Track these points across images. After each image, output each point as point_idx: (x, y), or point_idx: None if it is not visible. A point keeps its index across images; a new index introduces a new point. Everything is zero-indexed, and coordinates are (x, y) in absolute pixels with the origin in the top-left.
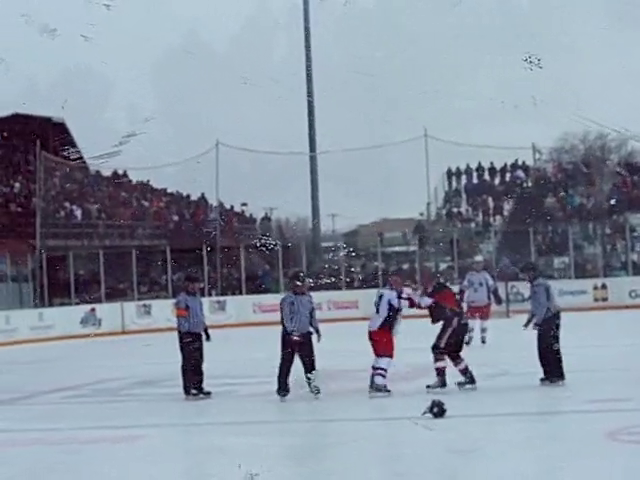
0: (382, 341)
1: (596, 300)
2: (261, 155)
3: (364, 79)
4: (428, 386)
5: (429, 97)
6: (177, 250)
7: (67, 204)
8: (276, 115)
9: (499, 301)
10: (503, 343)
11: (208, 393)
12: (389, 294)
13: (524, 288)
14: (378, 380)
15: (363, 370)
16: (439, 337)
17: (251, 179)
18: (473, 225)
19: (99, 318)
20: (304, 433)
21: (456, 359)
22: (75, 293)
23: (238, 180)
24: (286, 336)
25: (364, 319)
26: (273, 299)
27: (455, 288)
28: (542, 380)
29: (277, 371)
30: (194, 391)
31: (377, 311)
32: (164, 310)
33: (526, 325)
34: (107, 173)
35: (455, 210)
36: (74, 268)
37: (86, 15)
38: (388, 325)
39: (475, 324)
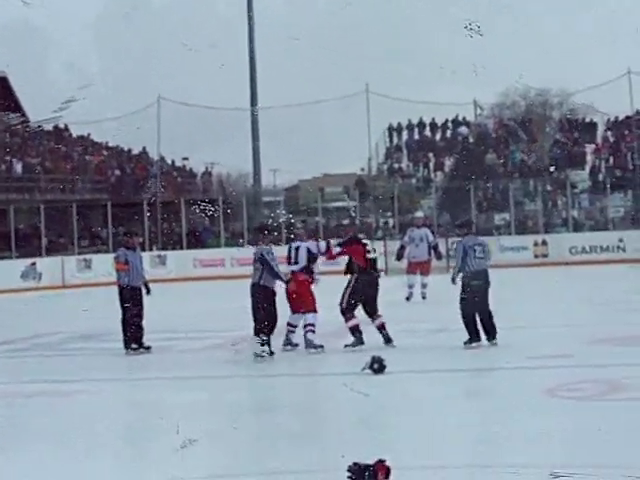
0: (307, 296)
1: (536, 257)
2: (202, 110)
3: (307, 36)
4: (346, 345)
5: (371, 57)
6: (118, 205)
7: (7, 158)
8: (217, 71)
9: (439, 257)
10: (443, 299)
11: (148, 348)
12: (306, 244)
13: None
14: (311, 336)
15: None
16: (341, 296)
17: (192, 134)
18: (414, 181)
19: (39, 272)
20: (246, 389)
21: (372, 316)
22: (15, 247)
23: (179, 135)
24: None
25: None
26: (214, 254)
27: (395, 244)
28: (465, 343)
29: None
30: (134, 345)
31: (294, 263)
32: (104, 264)
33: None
34: (48, 127)
35: (396, 166)
36: (14, 222)
37: None
38: (310, 277)
39: (416, 280)
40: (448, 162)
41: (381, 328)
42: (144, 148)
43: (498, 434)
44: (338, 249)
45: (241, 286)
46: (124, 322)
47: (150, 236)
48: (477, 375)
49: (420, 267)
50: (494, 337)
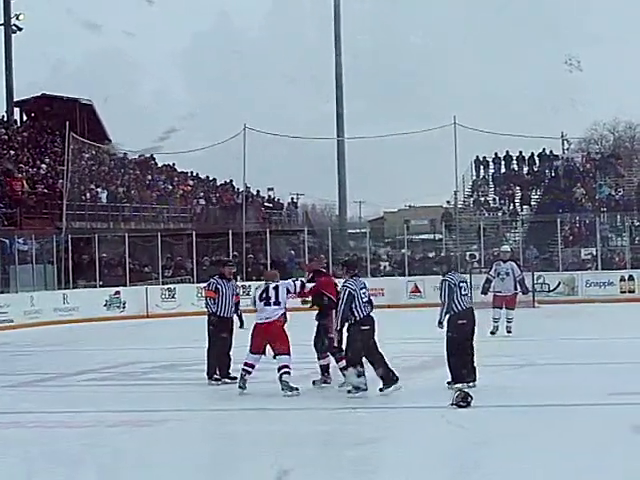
0: (285, 336)
1: (623, 292)
2: (288, 140)
3: (394, 68)
4: (380, 389)
5: (458, 90)
6: (203, 234)
7: (93, 186)
8: (304, 101)
9: (525, 291)
10: (528, 333)
11: (233, 378)
12: (283, 283)
13: (551, 279)
14: (288, 378)
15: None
16: (327, 335)
17: (278, 164)
18: (500, 214)
19: (123, 301)
20: (332, 420)
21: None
22: (100, 276)
23: (265, 165)
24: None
25: (389, 306)
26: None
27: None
28: (449, 383)
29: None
30: (216, 376)
31: (274, 303)
32: (188, 294)
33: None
34: (134, 156)
35: (482, 199)
36: (99, 251)
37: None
38: (285, 318)
39: (501, 313)
40: (535, 196)
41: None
42: (231, 180)
43: (589, 468)
44: (309, 286)
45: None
46: (209, 351)
47: (236, 266)
48: (561, 410)
49: (506, 301)
50: (474, 379)
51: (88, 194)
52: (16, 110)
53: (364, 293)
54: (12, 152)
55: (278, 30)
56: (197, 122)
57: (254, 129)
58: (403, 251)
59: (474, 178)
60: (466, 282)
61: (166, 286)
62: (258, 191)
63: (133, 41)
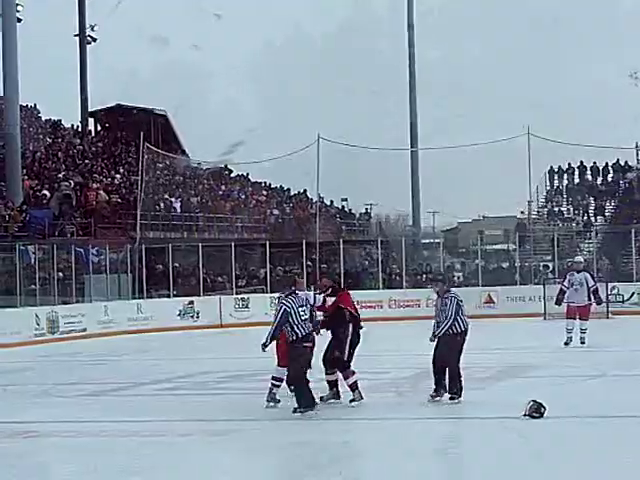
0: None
1: None
2: (362, 150)
3: (466, 80)
4: (351, 400)
5: (532, 100)
6: (276, 244)
7: (167, 196)
8: (379, 112)
9: (599, 302)
10: (602, 344)
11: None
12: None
13: (625, 289)
14: (276, 390)
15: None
16: (339, 349)
17: (352, 174)
18: (574, 225)
19: (197, 311)
20: (394, 429)
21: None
22: (173, 286)
23: (339, 175)
24: None
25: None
26: (372, 295)
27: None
28: (432, 396)
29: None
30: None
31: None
32: (262, 304)
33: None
34: (209, 166)
35: (556, 209)
36: (173, 260)
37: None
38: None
39: (575, 324)
40: (609, 206)
41: (334, 384)
42: (305, 190)
43: None
44: (331, 300)
45: (398, 328)
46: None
47: (308, 276)
48: (634, 423)
49: (579, 312)
50: (460, 395)
51: (162, 204)
52: (91, 120)
53: (303, 310)
54: (87, 162)
55: (351, 41)
56: (270, 132)
57: (328, 139)
58: (477, 261)
59: (548, 188)
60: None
61: (239, 296)
62: (332, 201)
63: (203, 53)
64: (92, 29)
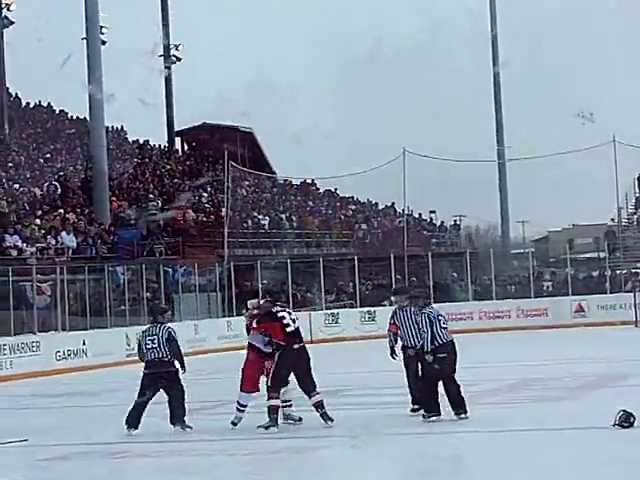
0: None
1: None
2: (448, 163)
3: (551, 87)
4: (259, 426)
5: (617, 107)
6: (364, 259)
7: (255, 213)
8: (461, 124)
9: None
10: None
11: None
12: None
13: None
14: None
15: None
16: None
17: (439, 187)
18: None
19: None
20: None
21: (308, 393)
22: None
23: (426, 188)
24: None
25: (553, 327)
26: (462, 307)
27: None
28: (413, 410)
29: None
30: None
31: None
32: (352, 319)
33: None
34: (295, 182)
35: None
36: (261, 277)
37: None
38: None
39: None
40: None
41: (318, 406)
42: (393, 203)
43: None
44: (255, 326)
45: (489, 340)
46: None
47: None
48: None
49: None
50: (465, 411)
51: (250, 221)
52: (177, 140)
53: (442, 319)
54: (174, 181)
55: (433, 53)
56: (356, 147)
57: (413, 152)
58: (567, 270)
59: (637, 195)
60: (443, 315)
61: (329, 311)
62: (420, 214)
63: (286, 70)
64: (177, 49)
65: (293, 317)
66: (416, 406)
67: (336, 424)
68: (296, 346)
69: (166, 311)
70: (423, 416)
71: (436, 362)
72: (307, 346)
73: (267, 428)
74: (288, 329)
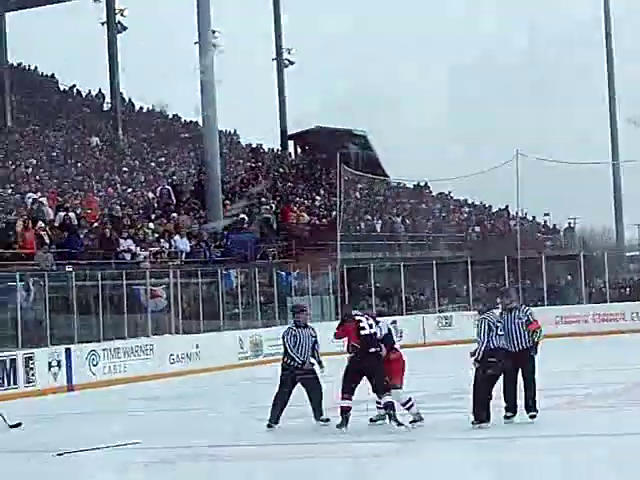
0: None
1: None
2: (561, 165)
3: None
4: (338, 426)
5: None
6: (478, 262)
7: (368, 216)
8: (573, 126)
9: None
10: None
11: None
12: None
13: None
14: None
15: None
16: None
17: (552, 189)
18: None
19: (400, 330)
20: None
21: (378, 393)
22: (375, 305)
23: (539, 190)
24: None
25: None
26: (576, 310)
27: None
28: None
29: None
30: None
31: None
32: (465, 322)
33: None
34: (409, 185)
35: None
36: (374, 280)
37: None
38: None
39: None
40: None
41: (387, 407)
42: (506, 206)
43: None
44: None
45: (602, 343)
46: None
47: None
48: None
49: None
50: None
51: (363, 224)
52: (290, 143)
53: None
54: (288, 184)
55: (543, 55)
56: (468, 150)
57: (526, 155)
58: None
59: None
60: (501, 322)
61: (442, 314)
62: (534, 217)
63: (396, 73)
64: (289, 52)
65: (371, 322)
66: (509, 413)
67: (437, 427)
68: (371, 350)
69: (305, 310)
70: (472, 422)
71: (484, 366)
72: (420, 350)
73: (338, 427)
74: (362, 332)
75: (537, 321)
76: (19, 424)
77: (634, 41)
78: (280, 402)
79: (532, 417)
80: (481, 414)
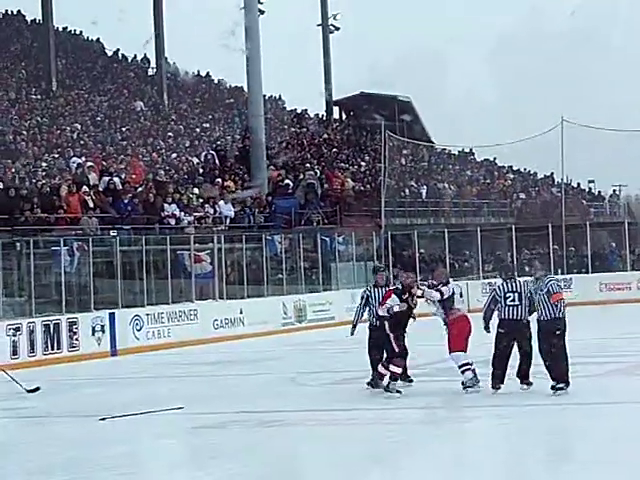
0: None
1: None
2: (606, 133)
3: None
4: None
5: None
6: (522, 229)
7: (413, 182)
8: (618, 92)
9: None
10: None
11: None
12: None
13: None
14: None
15: None
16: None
17: (597, 156)
18: None
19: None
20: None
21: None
22: (420, 271)
23: (584, 157)
24: None
25: None
26: (620, 277)
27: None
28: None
29: None
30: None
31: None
32: None
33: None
34: (454, 151)
35: None
36: (419, 247)
37: None
38: None
39: None
40: None
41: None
42: (552, 173)
43: None
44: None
45: None
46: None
47: (555, 260)
48: None
49: None
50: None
51: (407, 190)
52: (335, 109)
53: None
54: (333, 150)
55: (590, 21)
56: (513, 116)
57: (571, 122)
58: None
59: None
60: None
61: (487, 281)
62: (579, 184)
63: (441, 39)
64: (334, 18)
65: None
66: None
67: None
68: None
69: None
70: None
71: (498, 337)
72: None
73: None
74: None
75: (559, 293)
76: (37, 388)
77: None
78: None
79: (527, 385)
80: (495, 382)
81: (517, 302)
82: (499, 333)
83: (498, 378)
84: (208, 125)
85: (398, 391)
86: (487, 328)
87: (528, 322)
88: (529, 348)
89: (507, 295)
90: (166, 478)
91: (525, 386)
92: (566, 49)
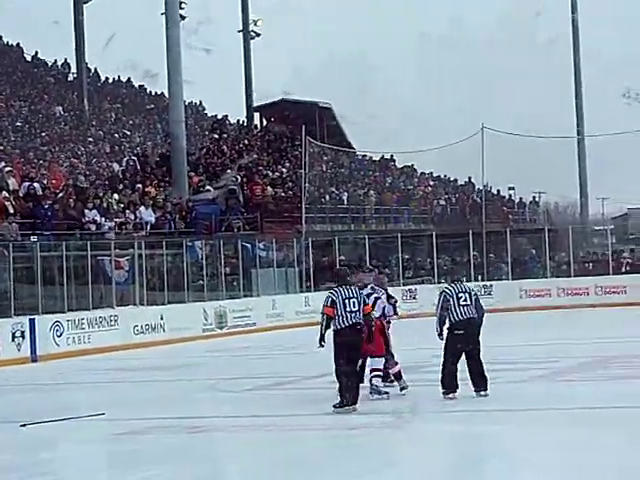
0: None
1: None
2: (527, 139)
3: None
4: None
5: None
6: (443, 235)
7: (333, 189)
8: (540, 100)
9: None
10: None
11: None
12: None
13: None
14: (376, 382)
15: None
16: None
17: (517, 163)
18: None
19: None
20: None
21: None
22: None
23: (504, 164)
24: None
25: (631, 304)
26: (540, 284)
27: None
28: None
29: None
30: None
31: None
32: (429, 295)
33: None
34: (375, 158)
35: None
36: (339, 252)
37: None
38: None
39: None
40: None
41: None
42: (469, 178)
43: None
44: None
45: (566, 317)
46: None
47: (475, 266)
48: None
49: None
50: (486, 389)
51: (328, 197)
52: (256, 115)
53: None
54: (254, 156)
55: (510, 28)
56: (434, 123)
57: (491, 129)
58: None
59: None
60: (469, 292)
61: (407, 287)
62: (499, 190)
63: (364, 46)
64: (255, 24)
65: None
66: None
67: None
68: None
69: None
70: (443, 393)
71: (453, 339)
72: None
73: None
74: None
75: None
76: None
77: (600, 14)
78: None
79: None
80: (450, 385)
81: (469, 302)
82: (456, 335)
83: (454, 382)
84: (129, 131)
85: (386, 392)
86: (441, 335)
87: (480, 322)
88: (479, 349)
89: (459, 295)
90: None
91: (483, 392)
92: (487, 57)
